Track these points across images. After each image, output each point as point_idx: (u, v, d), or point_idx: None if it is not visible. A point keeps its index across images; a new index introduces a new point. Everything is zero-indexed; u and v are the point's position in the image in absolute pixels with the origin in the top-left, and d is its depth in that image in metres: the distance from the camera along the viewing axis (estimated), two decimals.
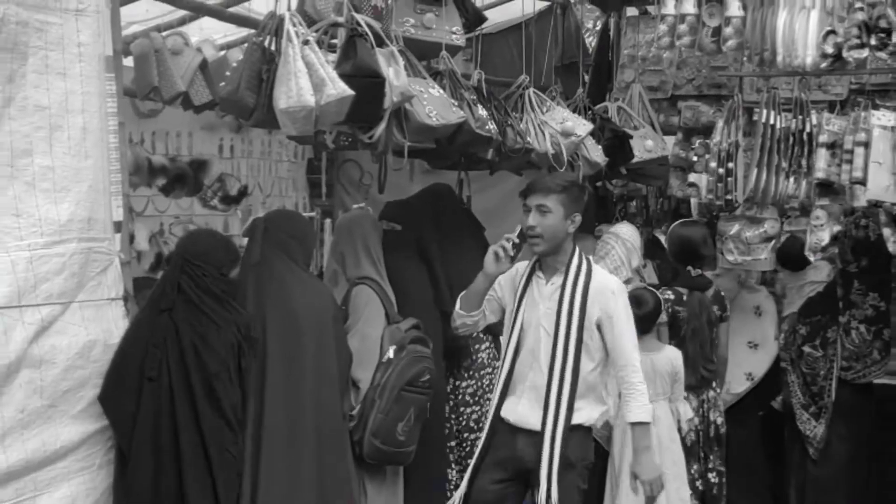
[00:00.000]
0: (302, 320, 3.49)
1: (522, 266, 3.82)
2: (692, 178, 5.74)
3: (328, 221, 5.47)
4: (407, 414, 3.76)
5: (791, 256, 5.21)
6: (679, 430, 4.64)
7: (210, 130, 5.07)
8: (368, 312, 3.86)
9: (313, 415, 3.46)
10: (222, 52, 3.85)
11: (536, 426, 3.66)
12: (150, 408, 3.11)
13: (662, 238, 5.78)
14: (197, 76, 3.58)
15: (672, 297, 4.94)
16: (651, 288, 4.88)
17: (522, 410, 3.72)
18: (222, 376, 3.19)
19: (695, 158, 5.55)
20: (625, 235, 5.03)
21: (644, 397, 3.74)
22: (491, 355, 4.40)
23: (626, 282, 4.99)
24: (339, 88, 3.22)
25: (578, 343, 3.66)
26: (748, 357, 5.38)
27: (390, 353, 3.79)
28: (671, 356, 4.66)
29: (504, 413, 3.75)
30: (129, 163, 3.70)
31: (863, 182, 4.47)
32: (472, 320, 3.81)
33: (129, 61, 3.51)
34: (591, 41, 6.09)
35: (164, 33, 3.64)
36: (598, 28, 6.24)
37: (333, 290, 3.95)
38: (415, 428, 3.82)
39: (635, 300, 4.64)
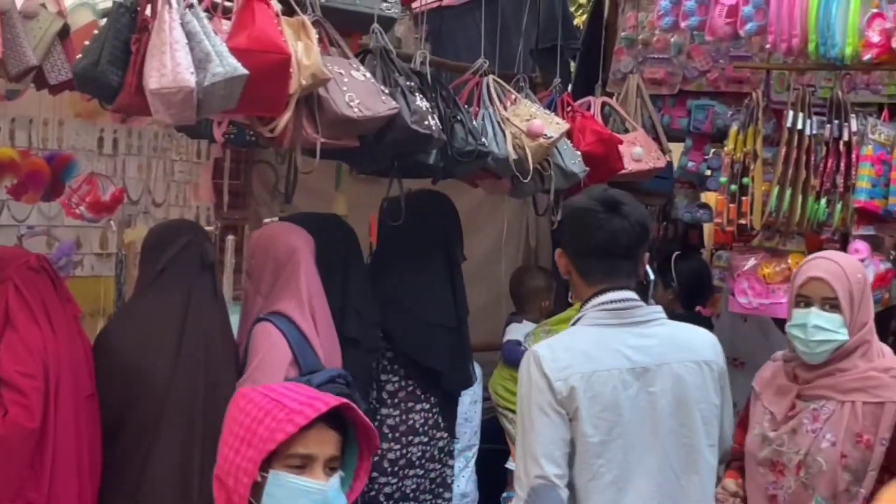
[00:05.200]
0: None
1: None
2: (705, 197, 5.79)
3: (230, 239, 5.44)
4: None
5: None
6: None
7: (87, 119, 5.04)
8: (264, 356, 3.81)
9: None
10: (103, 20, 3.83)
11: None
12: None
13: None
14: (55, 47, 3.51)
15: None
16: None
17: None
18: None
19: (708, 172, 5.59)
20: None
21: None
22: (427, 420, 4.41)
23: None
24: (228, 66, 3.19)
25: None
26: None
27: None
28: None
29: None
30: None
31: None
32: None
33: None
34: (580, 19, 6.13)
35: None
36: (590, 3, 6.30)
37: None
38: None
39: None
